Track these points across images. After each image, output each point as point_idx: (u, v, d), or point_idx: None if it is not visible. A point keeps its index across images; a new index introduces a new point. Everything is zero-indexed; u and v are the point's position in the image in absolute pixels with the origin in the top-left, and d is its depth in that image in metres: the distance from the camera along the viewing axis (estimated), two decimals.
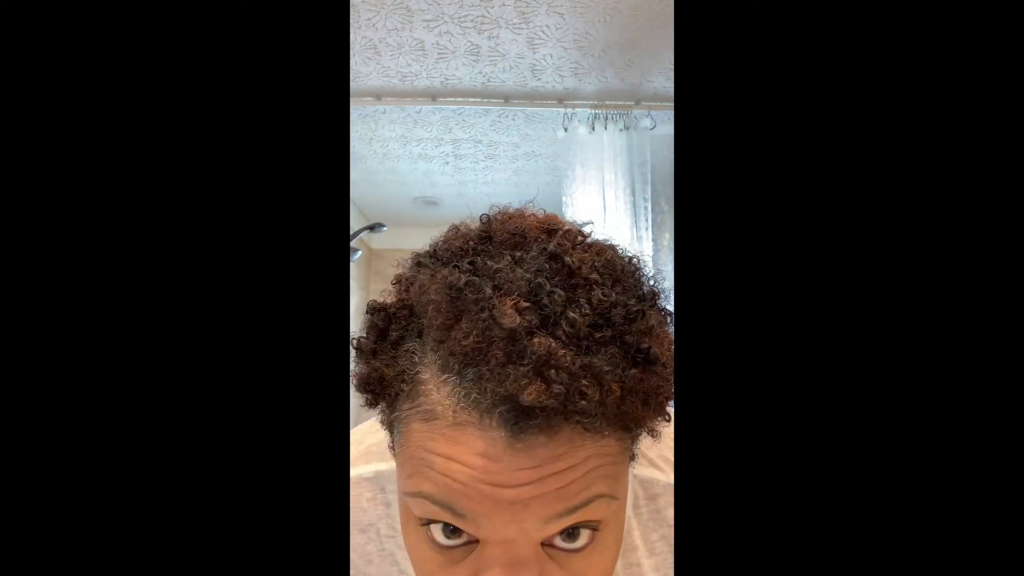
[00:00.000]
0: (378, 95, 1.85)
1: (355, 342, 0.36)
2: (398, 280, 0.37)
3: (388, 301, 0.36)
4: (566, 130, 1.87)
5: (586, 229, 0.38)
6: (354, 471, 0.48)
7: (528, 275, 0.31)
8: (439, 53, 1.65)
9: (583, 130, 1.86)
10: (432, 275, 0.33)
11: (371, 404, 0.36)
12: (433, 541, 0.33)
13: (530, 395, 0.28)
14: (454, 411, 0.31)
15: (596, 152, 1.85)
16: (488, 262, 0.32)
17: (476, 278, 0.31)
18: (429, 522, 0.33)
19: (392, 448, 0.37)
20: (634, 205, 1.85)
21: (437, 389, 0.31)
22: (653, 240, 1.86)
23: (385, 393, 0.35)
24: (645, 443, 0.45)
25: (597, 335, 0.30)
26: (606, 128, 1.85)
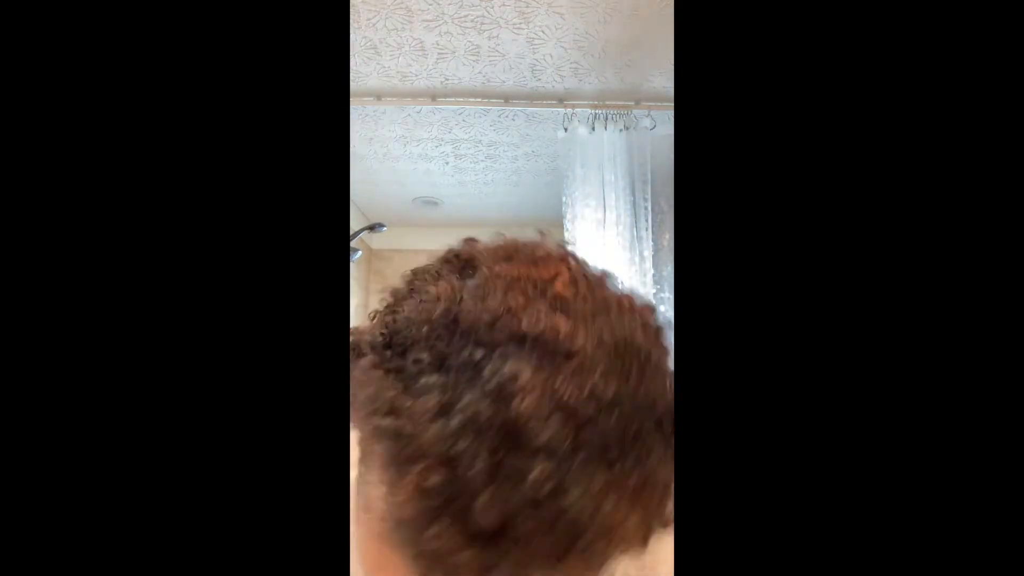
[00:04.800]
0: (378, 95, 1.85)
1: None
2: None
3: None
4: (566, 130, 1.87)
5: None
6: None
7: (454, 428, 0.25)
8: (439, 53, 1.65)
9: (583, 130, 1.86)
10: (366, 383, 0.28)
11: None
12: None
13: None
14: None
15: (596, 152, 1.85)
16: (429, 380, 0.26)
17: (396, 440, 0.26)
18: None
19: None
20: (634, 205, 1.84)
21: (374, 449, 0.29)
22: (653, 240, 1.86)
23: None
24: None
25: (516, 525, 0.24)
26: (606, 128, 1.85)
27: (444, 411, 0.25)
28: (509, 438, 0.25)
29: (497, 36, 1.57)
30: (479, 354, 0.26)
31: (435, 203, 2.73)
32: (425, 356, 0.27)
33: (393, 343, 0.29)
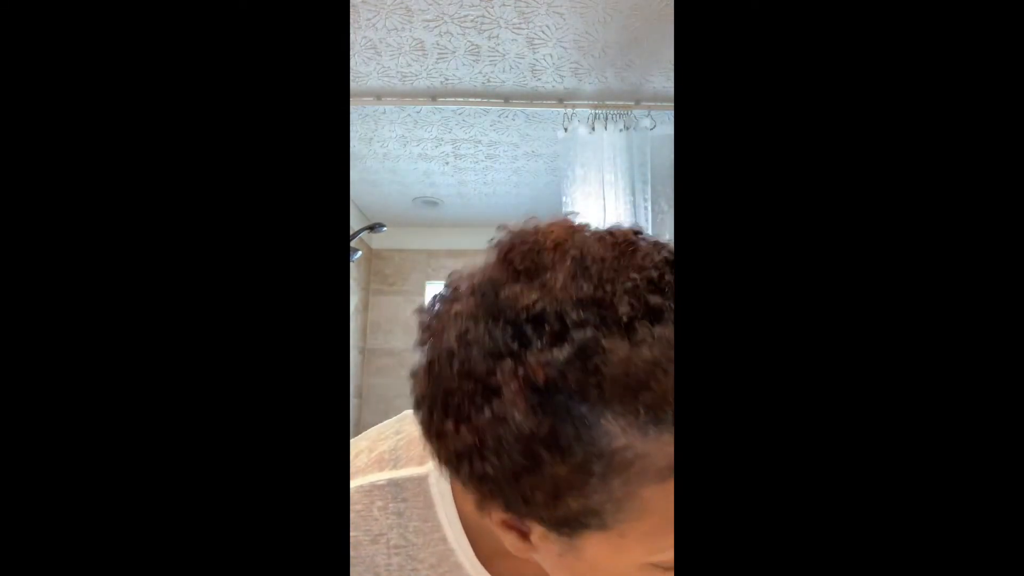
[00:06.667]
0: (378, 95, 1.85)
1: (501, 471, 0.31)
2: (538, 390, 0.29)
3: (529, 414, 0.30)
4: (566, 130, 1.87)
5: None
6: (366, 479, 0.47)
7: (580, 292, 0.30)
8: (439, 53, 1.65)
9: (583, 130, 1.86)
10: (635, 344, 0.29)
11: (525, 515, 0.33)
12: (663, 570, 0.33)
13: None
14: None
15: (596, 152, 1.85)
16: (653, 297, 0.30)
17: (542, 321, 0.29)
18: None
19: (584, 525, 0.32)
20: (634, 205, 1.85)
21: (657, 444, 0.29)
22: None
23: (556, 496, 0.31)
24: None
25: None
26: (606, 128, 1.85)
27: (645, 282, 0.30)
28: (603, 312, 0.29)
29: (497, 36, 1.57)
30: (619, 277, 0.31)
31: (435, 203, 2.73)
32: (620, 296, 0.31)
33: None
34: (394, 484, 0.47)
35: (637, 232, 0.34)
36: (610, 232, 0.33)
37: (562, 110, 1.87)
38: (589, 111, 1.86)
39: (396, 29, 1.55)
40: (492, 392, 0.30)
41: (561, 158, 1.90)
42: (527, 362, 0.29)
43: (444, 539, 0.46)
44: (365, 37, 1.58)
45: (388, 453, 0.48)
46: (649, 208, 1.86)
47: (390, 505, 0.47)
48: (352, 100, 1.82)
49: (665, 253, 0.32)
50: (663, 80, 1.79)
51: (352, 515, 0.46)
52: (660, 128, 1.88)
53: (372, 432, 0.51)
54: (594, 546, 0.33)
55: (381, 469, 0.47)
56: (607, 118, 1.85)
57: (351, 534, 0.46)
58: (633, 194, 1.85)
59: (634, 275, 0.30)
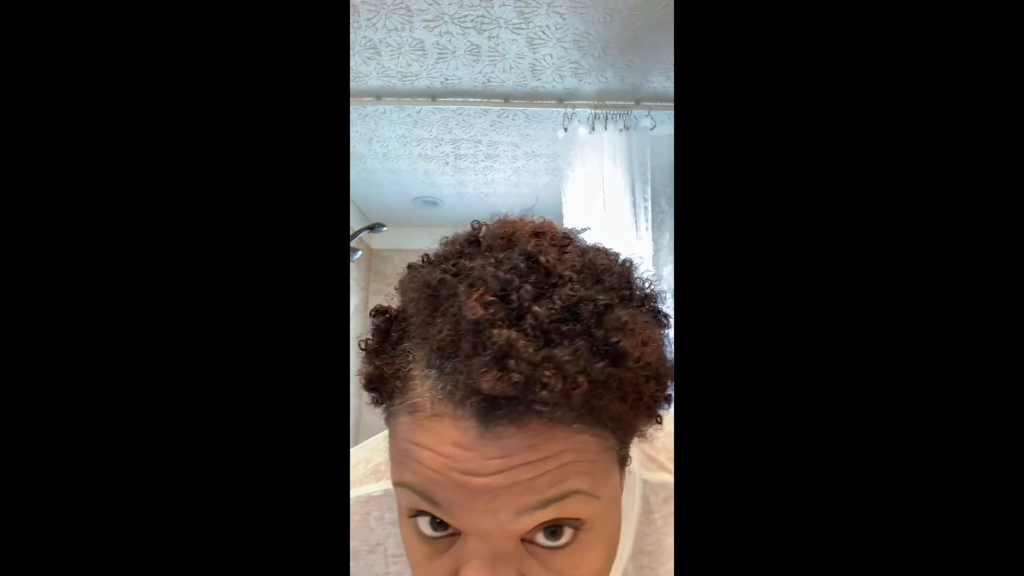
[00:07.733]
0: (378, 95, 1.85)
1: (362, 344, 0.38)
2: (399, 285, 0.38)
3: (390, 304, 0.38)
4: (566, 130, 1.87)
5: (582, 235, 0.39)
6: (363, 490, 0.47)
7: (500, 272, 0.32)
8: (439, 53, 1.65)
9: (583, 130, 1.86)
10: (412, 276, 0.35)
11: (376, 402, 0.37)
12: (420, 532, 0.34)
13: (487, 383, 0.29)
14: (432, 403, 0.32)
15: (596, 152, 1.84)
16: (467, 263, 0.34)
17: (448, 276, 0.33)
18: (416, 514, 0.34)
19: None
20: (634, 205, 1.84)
21: (421, 383, 0.33)
22: (653, 240, 1.86)
23: (384, 391, 0.36)
24: (658, 445, 0.44)
25: (564, 328, 0.30)
26: (606, 128, 1.85)
27: (496, 263, 0.33)
28: (546, 276, 0.32)
29: (497, 36, 1.57)
30: (501, 254, 0.34)
31: (435, 203, 2.73)
32: (458, 261, 0.35)
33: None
34: (390, 494, 0.47)
35: (569, 238, 0.38)
36: (542, 227, 0.38)
37: (562, 110, 1.86)
38: (589, 111, 1.86)
39: (396, 29, 1.55)
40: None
41: (561, 158, 1.90)
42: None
43: None
44: (365, 37, 1.58)
45: (385, 464, 0.48)
46: (649, 208, 1.86)
47: (386, 515, 0.47)
48: (352, 100, 1.82)
49: (569, 251, 0.36)
50: (663, 80, 1.79)
51: (350, 525, 0.46)
52: (660, 128, 1.88)
53: (370, 443, 0.52)
54: None
55: (378, 480, 0.48)
56: (607, 118, 1.85)
57: (349, 543, 0.46)
58: (633, 194, 1.85)
59: (513, 251, 0.35)
